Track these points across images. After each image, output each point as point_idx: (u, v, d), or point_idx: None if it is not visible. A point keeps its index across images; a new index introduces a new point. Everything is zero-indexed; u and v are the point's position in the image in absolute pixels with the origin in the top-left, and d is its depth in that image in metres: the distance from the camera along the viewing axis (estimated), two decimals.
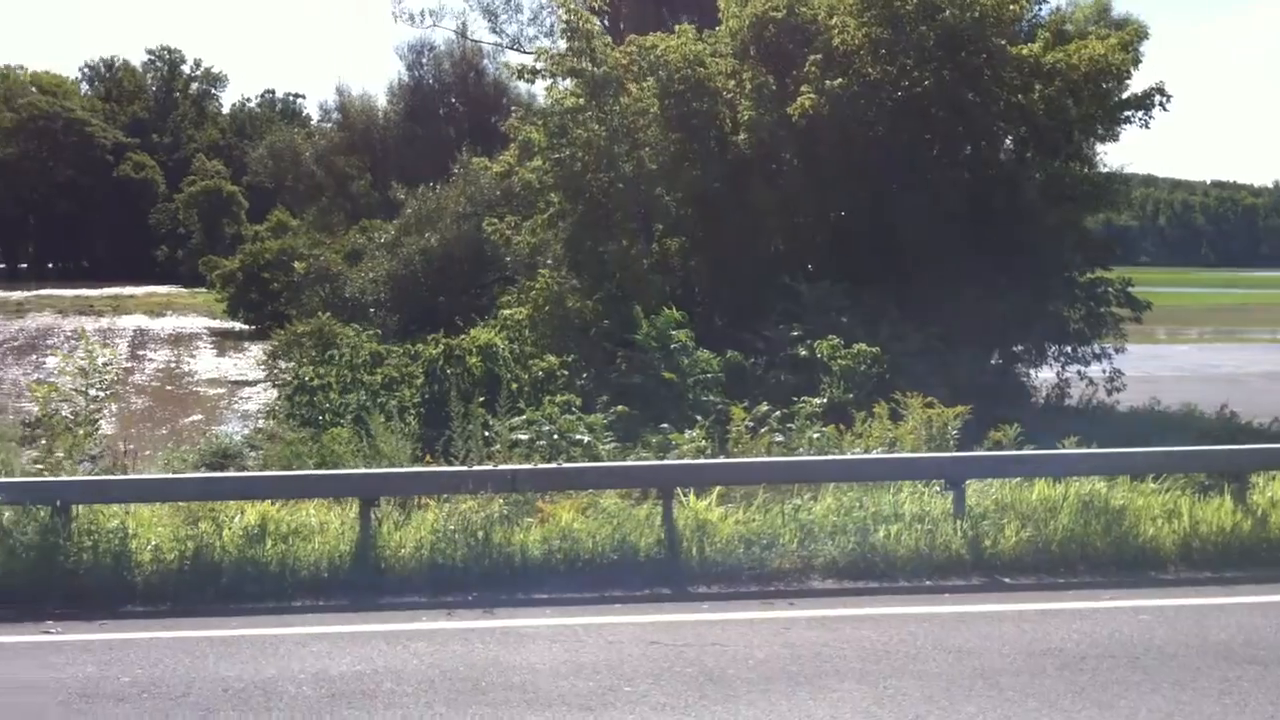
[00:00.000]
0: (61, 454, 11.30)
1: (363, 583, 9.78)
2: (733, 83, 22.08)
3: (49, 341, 47.03)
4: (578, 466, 11.67)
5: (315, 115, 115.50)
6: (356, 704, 7.10)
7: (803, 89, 20.75)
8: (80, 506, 10.28)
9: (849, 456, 12.18)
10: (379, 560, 10.04)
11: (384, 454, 12.78)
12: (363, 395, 16.49)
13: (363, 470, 11.70)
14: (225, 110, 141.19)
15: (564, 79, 23.28)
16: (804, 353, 17.39)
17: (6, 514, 10.13)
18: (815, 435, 13.38)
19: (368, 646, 8.21)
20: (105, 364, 13.04)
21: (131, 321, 58.23)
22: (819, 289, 19.28)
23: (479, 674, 7.58)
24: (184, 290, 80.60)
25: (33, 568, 9.76)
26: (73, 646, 8.41)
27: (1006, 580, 10.09)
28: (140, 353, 42.61)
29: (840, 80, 20.55)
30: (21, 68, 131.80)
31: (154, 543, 10.09)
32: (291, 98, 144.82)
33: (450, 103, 74.33)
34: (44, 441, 12.09)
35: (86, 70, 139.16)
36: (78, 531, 10.05)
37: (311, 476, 11.53)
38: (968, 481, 11.10)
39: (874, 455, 12.23)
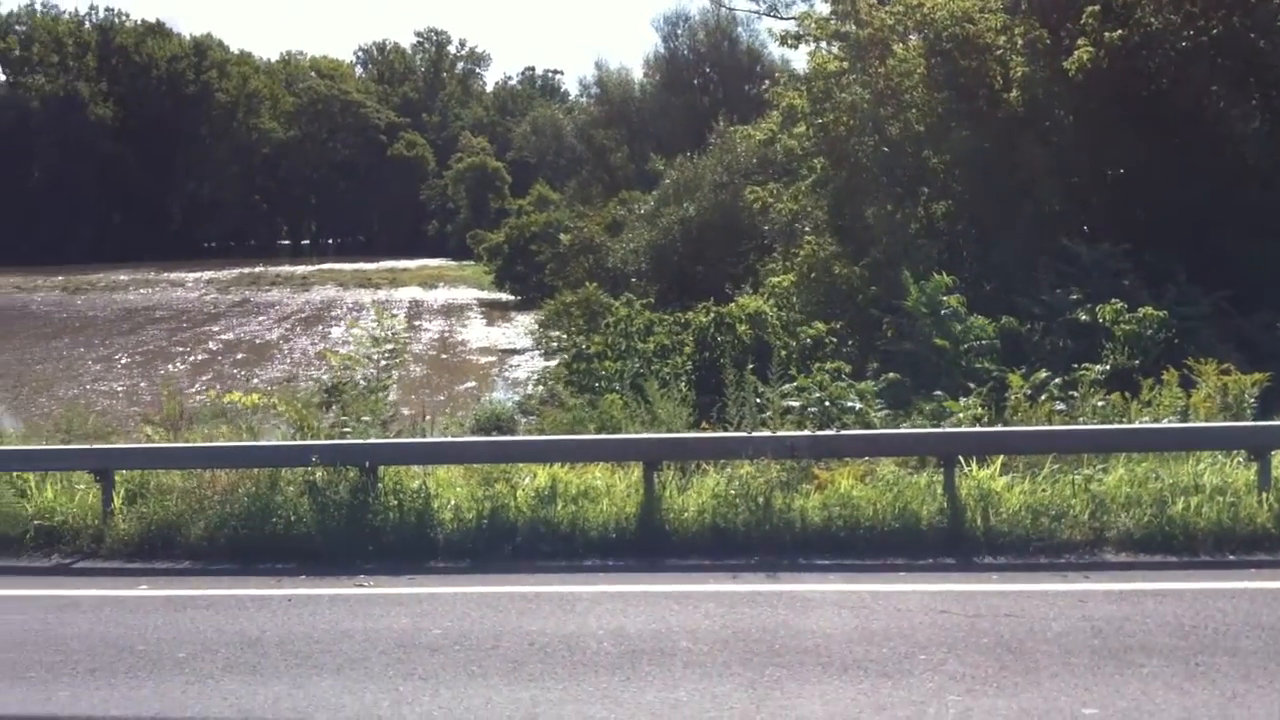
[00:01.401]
0: (367, 418, 12.00)
1: (648, 544, 10.05)
2: (1003, 38, 21.36)
3: (333, 313, 50.07)
4: (859, 434, 11.62)
5: (574, 90, 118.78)
6: (656, 661, 7.33)
7: (1079, 42, 19.89)
8: (385, 467, 10.95)
9: (1141, 425, 11.66)
10: (663, 523, 10.29)
11: (661, 420, 13.04)
12: (636, 362, 16.90)
13: (648, 434, 11.98)
14: (489, 89, 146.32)
15: (827, 43, 23.08)
16: (1084, 318, 16.71)
17: (319, 474, 10.86)
18: (1099, 404, 12.87)
19: (660, 606, 8.46)
20: (393, 333, 13.80)
21: (407, 293, 61.24)
22: (1098, 251, 18.49)
23: (771, 637, 7.69)
24: (453, 263, 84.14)
25: (344, 525, 10.43)
26: (385, 600, 8.98)
27: None
28: (416, 323, 44.82)
29: (1120, 32, 19.59)
30: (301, 53, 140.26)
31: (453, 502, 10.65)
32: (550, 74, 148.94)
33: (704, 72, 74.86)
34: (338, 407, 12.87)
35: (360, 54, 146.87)
36: (384, 491, 10.71)
37: (599, 440, 11.87)
38: (1273, 452, 10.48)
39: (1167, 424, 11.67)
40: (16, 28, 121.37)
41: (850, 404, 13.63)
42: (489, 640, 7.82)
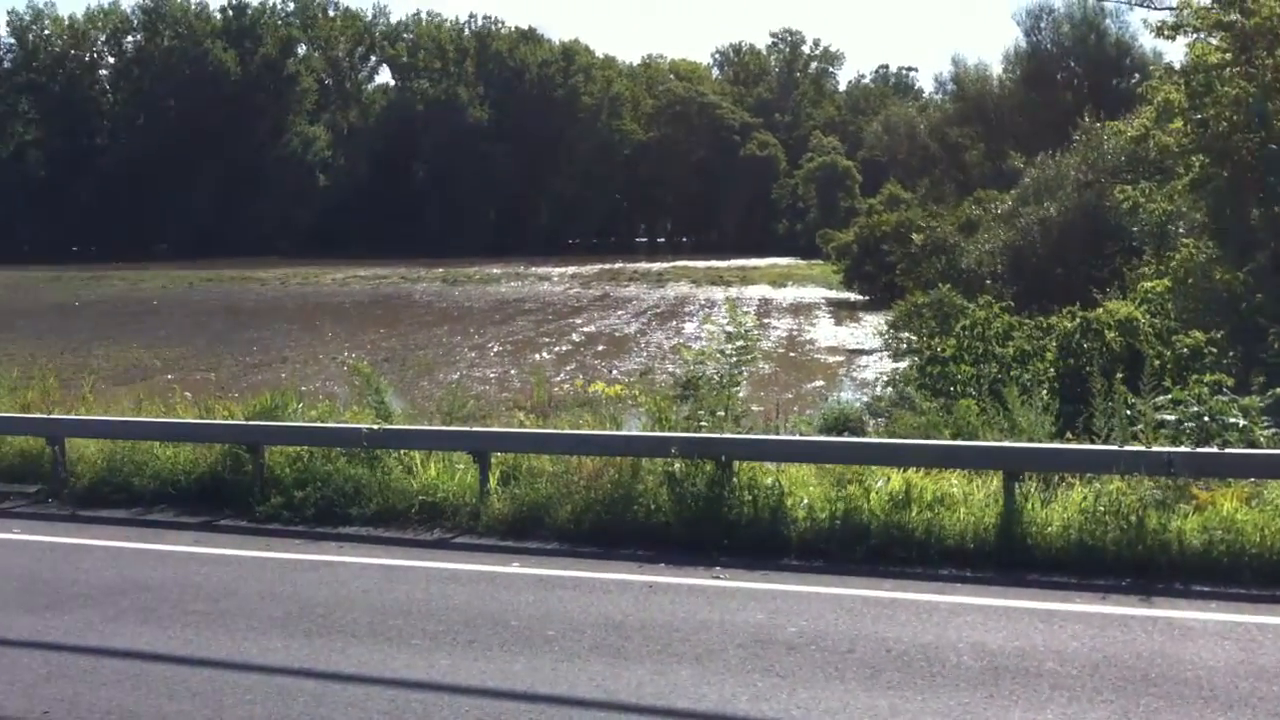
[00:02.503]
0: (722, 413, 12.24)
1: (1008, 557, 9.72)
2: None
3: (686, 309, 51.30)
4: (1245, 453, 10.78)
5: (928, 88, 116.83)
6: (1020, 680, 7.08)
7: None
8: (740, 462, 11.12)
9: None
10: (1024, 536, 9.91)
11: (1021, 428, 12.58)
12: (994, 367, 16.37)
13: (1010, 443, 11.56)
14: (841, 88, 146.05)
15: (1207, 33, 21.55)
16: None
17: (678, 465, 11.16)
18: None
19: (1022, 622, 8.17)
20: (745, 330, 13.95)
21: (756, 291, 61.87)
22: None
23: (1146, 665, 7.27)
24: (801, 262, 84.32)
25: (700, 517, 10.68)
26: (740, 593, 9.11)
27: None
28: (765, 321, 45.15)
29: None
30: (661, 56, 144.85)
31: (806, 501, 10.69)
32: (904, 71, 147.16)
33: (1068, 66, 72.08)
34: (693, 400, 13.14)
35: (717, 55, 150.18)
36: (738, 486, 10.88)
37: (957, 446, 11.53)
38: None
39: None
40: (405, 35, 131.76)
41: (1233, 420, 12.64)
42: (844, 643, 7.80)
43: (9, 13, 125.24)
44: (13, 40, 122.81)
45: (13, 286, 67.77)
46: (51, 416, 14.09)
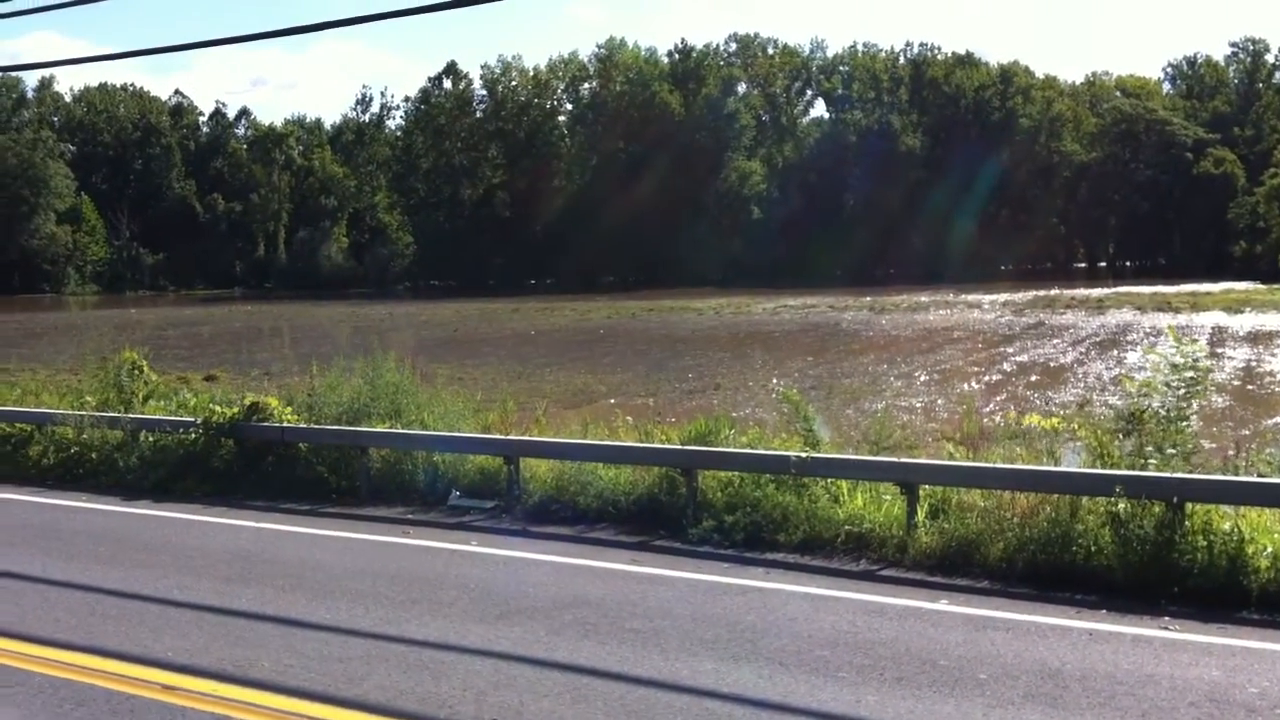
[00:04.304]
0: (1171, 450, 11.37)
1: None
2: None
3: (1128, 337, 48.24)
4: None
5: None
6: None
7: None
8: (1192, 504, 10.29)
9: None
10: None
11: None
12: None
13: None
14: None
15: None
16: None
17: (1122, 505, 10.48)
18: None
19: None
20: (1193, 360, 12.85)
21: (1208, 319, 57.24)
22: None
23: None
24: (1262, 286, 77.31)
25: (1146, 562, 9.97)
26: (1193, 647, 8.43)
27: None
28: (1218, 350, 41.65)
29: None
30: (1107, 73, 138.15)
31: (1270, 549, 9.76)
32: None
33: None
34: (1137, 436, 12.25)
35: (1169, 69, 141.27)
36: (1191, 530, 10.08)
37: None
38: None
39: None
40: (840, 68, 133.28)
41: None
42: None
43: (482, 66, 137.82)
44: (485, 92, 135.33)
45: (479, 317, 74.17)
46: (509, 437, 15.22)
